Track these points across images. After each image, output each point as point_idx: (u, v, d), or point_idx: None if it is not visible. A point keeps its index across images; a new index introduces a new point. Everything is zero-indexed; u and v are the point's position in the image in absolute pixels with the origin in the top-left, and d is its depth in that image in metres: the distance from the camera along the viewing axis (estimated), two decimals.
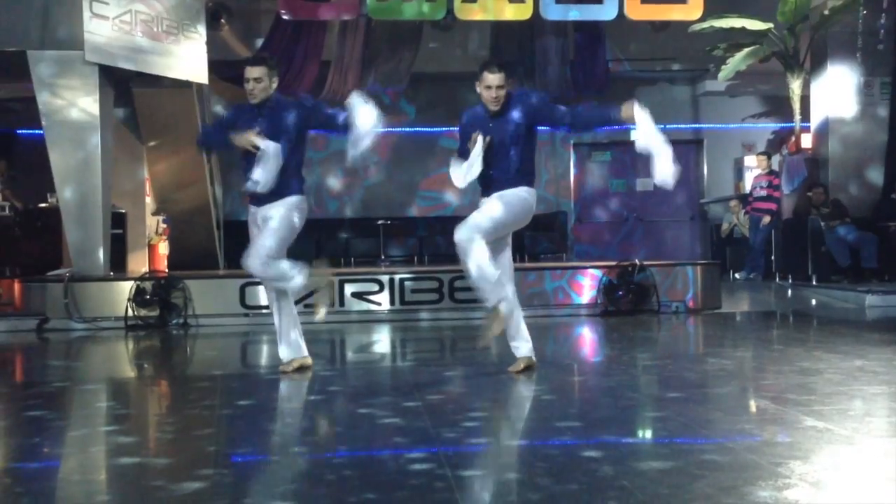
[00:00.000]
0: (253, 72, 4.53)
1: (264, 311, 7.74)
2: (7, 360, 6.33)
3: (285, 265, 4.63)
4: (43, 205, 9.32)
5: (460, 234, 4.39)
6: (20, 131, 10.11)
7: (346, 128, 4.52)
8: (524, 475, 2.64)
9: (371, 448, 3.16)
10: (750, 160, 12.61)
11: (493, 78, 4.44)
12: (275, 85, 4.62)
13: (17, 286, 7.99)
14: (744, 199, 11.91)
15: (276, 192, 4.58)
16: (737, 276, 11.32)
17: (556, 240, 12.00)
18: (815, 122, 10.53)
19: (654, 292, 7.88)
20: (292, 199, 4.65)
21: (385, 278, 7.89)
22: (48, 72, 7.94)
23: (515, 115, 4.54)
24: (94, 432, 3.60)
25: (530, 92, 5.06)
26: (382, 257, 11.56)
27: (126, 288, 7.56)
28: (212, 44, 9.07)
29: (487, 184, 4.60)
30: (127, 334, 7.22)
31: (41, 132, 8.13)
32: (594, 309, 7.90)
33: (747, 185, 12.47)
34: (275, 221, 4.59)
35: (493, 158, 4.52)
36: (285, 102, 4.69)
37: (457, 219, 12.78)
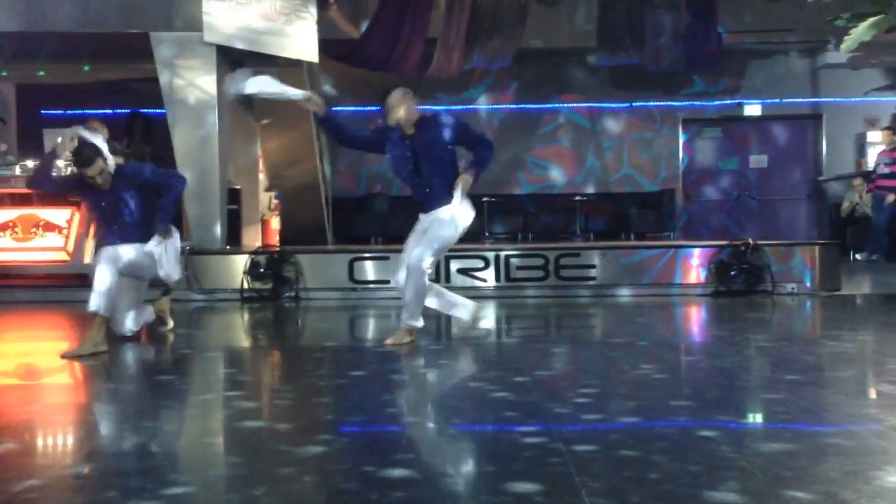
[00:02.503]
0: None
1: (371, 285, 7.92)
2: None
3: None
4: None
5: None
6: (144, 110, 10.57)
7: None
8: (640, 453, 2.62)
9: (484, 422, 3.20)
10: (873, 136, 12.02)
11: None
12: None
13: None
14: (867, 176, 11.36)
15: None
16: (858, 257, 10.83)
17: (663, 218, 11.76)
18: None
19: (768, 273, 7.64)
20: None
21: (491, 255, 7.93)
22: (169, 53, 8.28)
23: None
24: (219, 397, 3.77)
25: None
26: (487, 234, 11.60)
27: (241, 261, 7.86)
28: (320, 23, 9.24)
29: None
30: (242, 306, 7.51)
31: (161, 111, 8.50)
32: (704, 289, 7.72)
33: (870, 161, 11.89)
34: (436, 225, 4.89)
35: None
36: (436, 121, 4.90)
37: (561, 197, 12.72)
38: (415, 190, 4.99)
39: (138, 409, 3.58)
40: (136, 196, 5.15)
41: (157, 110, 8.97)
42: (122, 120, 10.31)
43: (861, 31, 10.07)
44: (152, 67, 8.39)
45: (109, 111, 11.42)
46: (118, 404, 3.69)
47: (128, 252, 5.02)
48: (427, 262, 4.79)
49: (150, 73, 8.57)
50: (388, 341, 4.90)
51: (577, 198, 11.95)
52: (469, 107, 12.70)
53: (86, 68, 10.16)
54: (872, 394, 3.69)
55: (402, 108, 4.80)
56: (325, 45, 9.46)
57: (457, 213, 4.82)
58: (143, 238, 5.11)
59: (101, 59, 9.89)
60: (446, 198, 4.81)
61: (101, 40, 8.69)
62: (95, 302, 4.76)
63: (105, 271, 4.80)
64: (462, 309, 5.11)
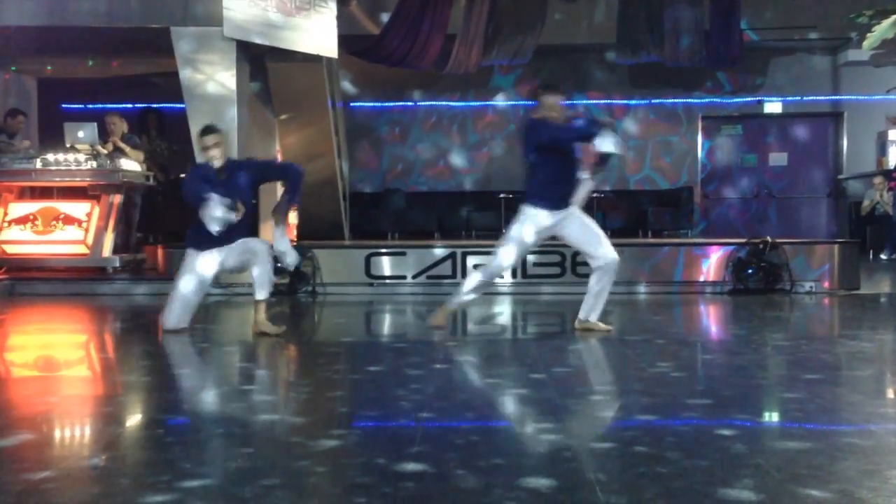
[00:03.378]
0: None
1: (388, 280, 7.93)
2: (151, 321, 6.74)
3: None
4: (183, 175, 9.80)
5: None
6: (162, 105, 10.64)
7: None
8: (653, 449, 2.61)
9: (498, 417, 3.21)
10: (895, 134, 11.89)
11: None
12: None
13: (160, 252, 8.47)
14: (888, 174, 11.25)
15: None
16: (882, 256, 10.73)
17: (681, 216, 11.69)
18: None
19: (786, 271, 7.58)
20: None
21: None
22: (189, 47, 8.32)
23: None
24: (235, 390, 3.80)
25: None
26: (504, 231, 11.57)
27: None
28: (340, 19, 9.26)
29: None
30: None
31: (181, 106, 8.54)
32: (722, 287, 7.68)
33: (891, 160, 11.78)
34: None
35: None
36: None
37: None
38: None
39: (154, 402, 3.61)
40: (252, 191, 5.28)
41: (177, 105, 9.01)
42: (136, 116, 10.40)
43: (885, 28, 9.97)
44: (172, 62, 8.44)
45: (129, 105, 11.49)
46: (134, 397, 3.72)
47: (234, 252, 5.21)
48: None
49: (170, 68, 8.62)
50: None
51: (595, 195, 11.90)
52: (488, 102, 12.67)
53: (90, 63, 10.26)
54: (890, 393, 3.66)
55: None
56: (344, 41, 9.47)
57: None
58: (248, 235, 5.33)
59: (121, 53, 9.97)
60: None
61: (122, 35, 8.75)
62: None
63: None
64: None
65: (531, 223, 5.05)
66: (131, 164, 8.62)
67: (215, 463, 2.65)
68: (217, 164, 5.15)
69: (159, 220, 9.87)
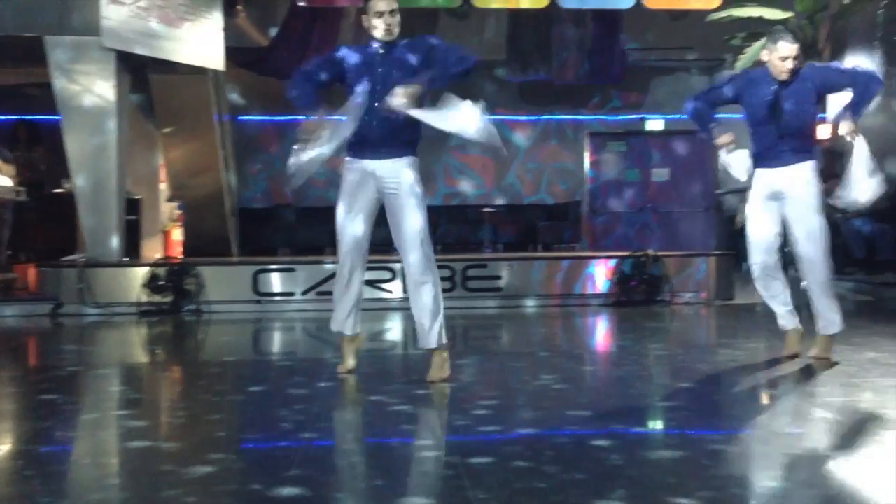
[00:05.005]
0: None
1: (276, 298, 7.78)
2: (21, 345, 6.39)
3: None
4: (57, 190, 9.37)
5: None
6: (36, 117, 10.15)
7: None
8: (533, 463, 2.63)
9: (381, 435, 3.17)
10: None
11: None
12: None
13: (32, 271, 8.06)
14: None
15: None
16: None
17: (570, 229, 11.97)
18: (832, 112, 10.42)
19: (666, 283, 7.85)
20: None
21: (397, 266, 7.87)
22: (65, 57, 7.97)
23: None
24: (106, 416, 3.62)
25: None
26: (394, 245, 11.55)
27: (140, 274, 7.61)
28: (227, 31, 9.07)
29: None
30: (140, 320, 7.26)
31: (56, 118, 8.17)
32: (607, 299, 7.88)
33: None
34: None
35: None
36: (411, 43, 4.05)
37: (471, 207, 12.70)
38: None
39: (17, 432, 3.40)
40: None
41: (54, 117, 8.61)
42: (7, 129, 9.90)
43: (755, 50, 10.51)
44: (47, 72, 8.06)
45: (1, 117, 10.92)
46: None
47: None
48: None
49: (46, 78, 8.23)
50: None
51: (486, 209, 12.06)
52: None
53: None
54: (760, 400, 3.82)
55: None
56: (232, 53, 9.29)
57: None
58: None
59: None
60: None
61: None
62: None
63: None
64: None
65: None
66: (1, 179, 8.17)
67: (76, 496, 2.50)
68: None
69: (31, 237, 9.39)
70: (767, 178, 4.54)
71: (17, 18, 7.97)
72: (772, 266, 4.60)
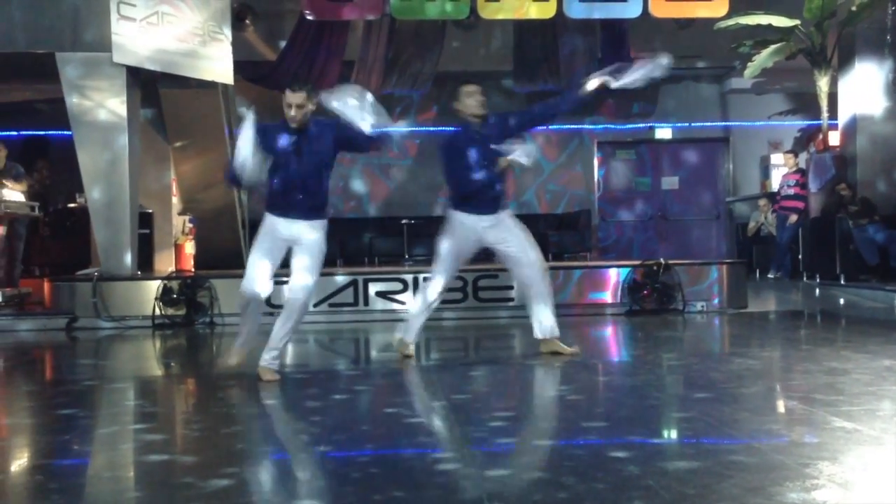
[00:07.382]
0: (296, 98, 4.62)
1: None
2: (37, 359, 6.42)
3: None
4: (71, 205, 9.43)
5: None
6: (49, 133, 10.23)
7: (370, 146, 4.79)
8: (550, 474, 2.63)
9: (397, 447, 3.17)
10: (776, 158, 12.51)
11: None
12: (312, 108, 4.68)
13: (46, 285, 8.10)
14: (771, 197, 11.81)
15: (315, 213, 4.71)
16: (769, 275, 11.20)
17: (580, 238, 11.96)
18: (842, 119, 10.41)
19: (679, 291, 7.83)
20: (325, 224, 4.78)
21: (409, 277, 7.91)
22: (76, 73, 8.04)
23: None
24: (123, 430, 3.64)
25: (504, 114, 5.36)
26: (406, 257, 11.58)
27: (153, 287, 7.64)
28: (236, 45, 9.12)
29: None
30: (154, 333, 7.30)
31: (69, 133, 8.23)
32: (619, 308, 7.87)
33: (774, 183, 12.36)
34: (316, 249, 4.81)
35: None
36: (322, 125, 4.76)
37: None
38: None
39: (37, 446, 3.42)
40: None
41: (65, 132, 8.67)
42: (26, 143, 9.98)
43: (764, 58, 10.54)
44: (59, 88, 8.12)
45: (14, 133, 11.01)
46: (15, 441, 3.52)
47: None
48: None
49: (57, 94, 8.30)
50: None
51: None
52: (388, 129, 12.67)
53: None
54: (776, 409, 3.80)
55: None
56: (240, 67, 9.34)
57: None
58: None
59: (5, 79, 9.55)
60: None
61: (4, 60, 8.38)
62: None
63: None
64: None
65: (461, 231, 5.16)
66: (14, 195, 8.24)
67: None
68: None
69: (45, 251, 9.46)
70: None
71: (29, 35, 8.05)
72: None
